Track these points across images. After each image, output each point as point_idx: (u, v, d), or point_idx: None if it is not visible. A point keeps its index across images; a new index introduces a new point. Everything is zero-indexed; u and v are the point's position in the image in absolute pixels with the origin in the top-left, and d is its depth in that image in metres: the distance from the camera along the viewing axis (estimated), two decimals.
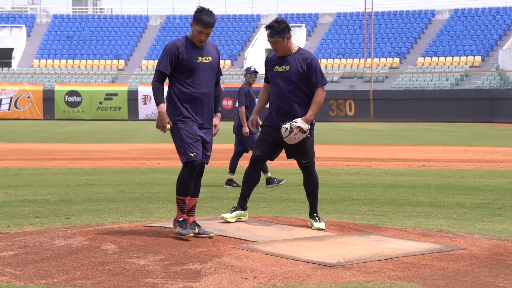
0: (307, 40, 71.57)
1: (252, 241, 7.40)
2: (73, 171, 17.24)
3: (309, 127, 8.06)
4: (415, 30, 70.05)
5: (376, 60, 66.74)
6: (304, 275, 6.41)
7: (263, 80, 8.49)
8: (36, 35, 74.15)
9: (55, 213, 10.63)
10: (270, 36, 8.07)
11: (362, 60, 67.26)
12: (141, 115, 59.95)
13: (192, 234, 7.44)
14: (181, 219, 7.50)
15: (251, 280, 6.28)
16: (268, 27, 8.11)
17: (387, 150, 25.62)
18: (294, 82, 8.04)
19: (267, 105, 8.41)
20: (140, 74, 67.89)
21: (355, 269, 6.59)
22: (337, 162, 20.11)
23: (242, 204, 8.26)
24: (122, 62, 70.98)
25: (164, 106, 7.52)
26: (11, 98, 61.68)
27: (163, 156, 21.81)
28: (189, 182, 7.51)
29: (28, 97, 61.50)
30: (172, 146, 28.77)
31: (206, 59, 7.59)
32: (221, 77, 7.86)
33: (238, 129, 14.39)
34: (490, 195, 12.99)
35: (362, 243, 7.59)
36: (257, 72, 14.45)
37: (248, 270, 6.50)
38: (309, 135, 8.12)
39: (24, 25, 73.70)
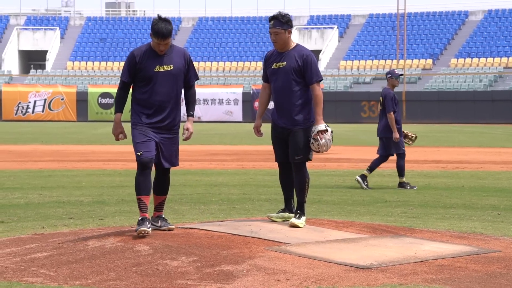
0: (339, 41, 71.40)
1: (284, 243, 7.39)
2: (106, 173, 17.35)
3: (325, 124, 8.07)
4: (448, 31, 69.59)
5: (408, 61, 66.40)
6: (337, 277, 6.39)
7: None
8: (69, 37, 74.76)
9: (89, 214, 10.70)
10: (272, 27, 8.03)
11: (395, 61, 66.95)
12: None
13: (145, 229, 7.45)
14: (140, 218, 7.59)
15: (284, 282, 6.27)
16: (272, 17, 8.06)
17: (420, 151, 25.46)
18: (291, 78, 8.01)
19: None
20: None
21: (388, 272, 6.56)
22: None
23: (288, 207, 8.32)
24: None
25: (119, 116, 7.70)
26: (45, 100, 62.27)
27: (195, 158, 21.87)
28: (140, 181, 7.59)
29: (62, 99, 62.03)
30: (205, 147, 28.90)
31: (166, 68, 7.59)
32: (197, 81, 7.91)
33: (382, 133, 14.45)
34: None
35: (395, 245, 7.55)
36: (402, 75, 14.50)
37: (281, 272, 6.49)
38: (332, 131, 8.16)
39: (58, 28, 74.33)
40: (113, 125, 7.72)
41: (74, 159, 20.75)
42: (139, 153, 7.58)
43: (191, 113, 7.84)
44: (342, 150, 26.24)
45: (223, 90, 61.84)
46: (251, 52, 70.53)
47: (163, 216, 7.91)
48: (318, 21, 73.77)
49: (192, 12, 78.88)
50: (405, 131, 14.89)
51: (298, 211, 8.15)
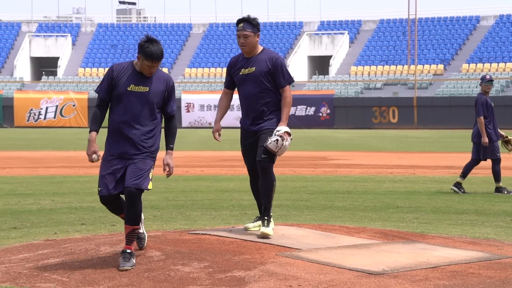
0: (349, 47, 71.37)
1: (296, 248, 7.39)
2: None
3: (287, 129, 7.80)
4: (460, 36, 69.45)
5: (420, 66, 66.30)
6: (349, 283, 6.38)
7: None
8: (81, 44, 75.01)
9: (101, 220, 10.73)
10: (242, 29, 7.80)
11: (406, 66, 66.85)
12: (185, 123, 60.29)
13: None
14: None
15: (296, 287, 6.26)
16: (241, 20, 7.85)
17: (432, 157, 25.40)
18: (261, 82, 7.82)
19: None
20: (183, 82, 68.27)
21: (401, 278, 6.54)
22: (381, 170, 19.99)
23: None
24: (165, 70, 71.27)
25: (94, 134, 7.12)
26: (57, 106, 62.47)
27: (207, 164, 21.89)
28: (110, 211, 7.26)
29: (73, 105, 62.22)
30: (216, 153, 28.80)
31: (142, 89, 7.08)
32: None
33: (476, 138, 14.49)
34: None
35: (407, 251, 7.53)
36: (493, 80, 14.56)
37: (293, 278, 6.49)
38: (292, 138, 7.91)
39: (69, 34, 74.60)
40: (88, 144, 7.15)
41: (86, 165, 20.78)
42: (99, 188, 7.16)
43: (171, 146, 7.30)
44: (353, 156, 26.21)
45: (233, 96, 61.89)
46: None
47: (128, 251, 6.91)
48: (329, 27, 73.75)
49: (203, 18, 78.96)
50: (507, 137, 14.95)
51: (266, 218, 7.79)
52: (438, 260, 7.17)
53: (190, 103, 60.22)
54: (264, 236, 7.66)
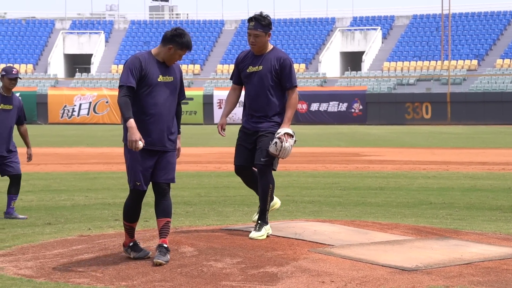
0: (382, 42, 71.03)
1: (328, 244, 7.38)
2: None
3: (292, 130, 7.65)
4: (494, 32, 68.81)
5: (453, 62, 65.81)
6: (382, 279, 6.36)
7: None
8: (114, 41, 75.46)
9: None
10: (253, 28, 7.64)
11: (439, 62, 66.39)
12: (216, 119, 60.42)
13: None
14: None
15: (328, 284, 6.26)
16: (252, 18, 7.69)
17: (465, 153, 25.21)
18: (267, 82, 7.68)
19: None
20: (216, 79, 68.42)
21: (434, 274, 6.51)
22: (414, 166, 19.88)
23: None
24: (197, 66, 71.66)
25: (133, 121, 6.89)
26: (90, 103, 62.92)
27: None
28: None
29: (107, 102, 62.63)
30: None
31: (169, 79, 7.12)
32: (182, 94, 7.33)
33: None
34: None
35: (441, 247, 7.49)
36: None
37: (325, 274, 6.48)
38: (296, 140, 7.74)
39: (102, 31, 75.08)
40: (131, 131, 6.86)
41: (119, 161, 20.91)
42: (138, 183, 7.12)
43: (179, 130, 7.30)
44: (386, 152, 26.09)
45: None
46: (294, 54, 70.47)
47: (164, 245, 7.01)
48: (361, 23, 73.44)
49: (235, 15, 79.03)
50: None
51: (259, 221, 7.60)
52: (472, 256, 7.12)
53: (222, 100, 60.28)
54: (251, 239, 7.45)
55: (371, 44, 69.79)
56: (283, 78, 7.70)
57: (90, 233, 8.91)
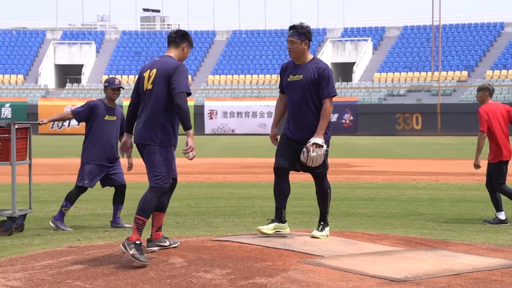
0: (373, 53, 71.22)
1: (318, 255, 7.38)
2: (140, 185, 17.43)
3: (323, 140, 7.87)
4: (484, 43, 69.10)
5: (443, 73, 66.02)
6: None
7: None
8: (105, 51, 75.43)
9: (124, 227, 10.77)
10: (290, 35, 8.04)
11: (430, 73, 66.60)
12: (207, 130, 60.42)
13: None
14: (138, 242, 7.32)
15: None
16: (291, 27, 8.09)
17: (455, 164, 25.27)
18: (307, 91, 7.93)
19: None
20: (207, 89, 68.43)
21: (423, 285, 6.52)
22: (404, 176, 19.91)
23: (279, 217, 8.10)
24: (189, 77, 71.65)
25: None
26: None
27: (229, 170, 21.91)
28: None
29: None
30: (238, 160, 28.62)
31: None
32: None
33: None
34: None
35: (430, 258, 7.50)
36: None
37: (315, 285, 6.48)
38: (327, 149, 7.96)
39: (93, 42, 75.04)
40: (192, 140, 7.43)
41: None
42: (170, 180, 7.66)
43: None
44: (376, 162, 26.13)
45: (256, 103, 61.94)
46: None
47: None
48: (352, 33, 73.65)
49: (226, 25, 79.08)
50: None
51: (322, 222, 8.17)
52: (461, 267, 7.13)
53: (213, 110, 60.33)
54: (315, 238, 8.02)
55: (362, 55, 69.97)
56: (320, 87, 7.95)
57: (79, 244, 8.89)
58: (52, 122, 9.87)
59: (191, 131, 7.37)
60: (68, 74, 73.58)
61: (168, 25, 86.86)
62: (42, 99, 65.47)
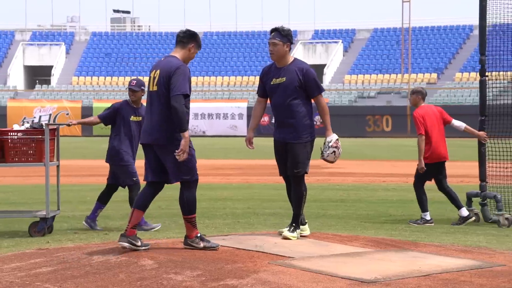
0: (343, 56, 71.49)
1: (289, 257, 7.40)
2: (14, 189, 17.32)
3: (336, 136, 8.26)
4: (453, 45, 69.66)
5: (413, 75, 66.46)
6: None
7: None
8: (75, 53, 74.98)
9: (94, 228, 10.72)
10: (272, 38, 8.10)
11: (399, 75, 66.99)
12: None
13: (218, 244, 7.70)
14: (199, 235, 7.73)
15: None
16: (273, 29, 8.15)
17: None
18: (291, 93, 8.04)
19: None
20: None
21: (393, 286, 6.56)
22: (374, 178, 20.01)
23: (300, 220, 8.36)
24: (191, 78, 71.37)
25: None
26: (50, 115, 62.41)
27: (200, 172, 21.80)
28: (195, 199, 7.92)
29: (67, 114, 62.15)
30: (209, 162, 28.71)
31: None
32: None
33: None
34: None
35: (400, 259, 7.54)
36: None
37: (285, 286, 6.49)
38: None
39: (63, 43, 74.57)
40: (186, 142, 7.43)
41: (79, 174, 20.77)
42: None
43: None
44: (347, 164, 26.23)
45: (227, 105, 61.93)
46: (256, 67, 70.66)
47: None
48: (323, 36, 73.88)
49: (197, 27, 78.92)
50: None
51: (293, 224, 8.19)
52: (430, 268, 7.18)
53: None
54: (286, 238, 8.05)
55: (333, 57, 70.23)
56: (308, 87, 8.07)
57: (48, 246, 8.83)
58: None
59: (186, 133, 7.39)
60: (38, 75, 73.05)
61: (139, 26, 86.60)
62: (11, 100, 64.92)
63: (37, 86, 70.66)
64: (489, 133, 12.34)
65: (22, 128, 10.23)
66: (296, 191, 8.19)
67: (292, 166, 8.10)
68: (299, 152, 8.09)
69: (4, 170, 21.68)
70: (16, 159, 9.98)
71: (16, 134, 9.96)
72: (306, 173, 8.20)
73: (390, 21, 74.58)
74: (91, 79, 71.81)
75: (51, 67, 72.17)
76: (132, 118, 10.65)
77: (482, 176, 11.99)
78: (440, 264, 7.38)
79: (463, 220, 11.45)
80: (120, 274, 6.85)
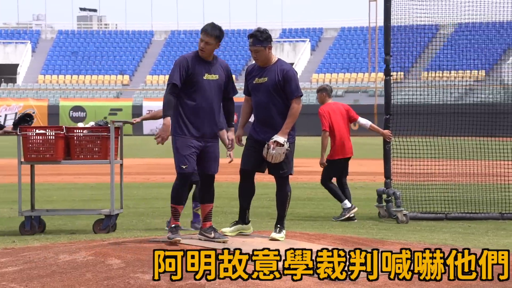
0: (311, 54, 71.70)
1: None
2: (77, 186, 17.27)
3: (285, 139, 8.02)
4: (419, 44, 70.13)
5: (380, 74, 66.86)
6: None
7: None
8: (41, 51, 74.41)
9: (60, 228, 10.65)
10: (252, 45, 8.11)
11: (367, 74, 67.35)
12: (146, 130, 60.05)
13: (179, 239, 7.81)
14: (173, 225, 7.90)
15: None
16: (250, 35, 8.16)
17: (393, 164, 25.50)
18: (272, 93, 8.07)
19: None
20: (145, 89, 68.05)
21: (360, 284, 6.59)
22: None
23: (243, 218, 8.28)
24: (126, 77, 71.16)
25: (169, 119, 7.78)
26: (16, 113, 61.87)
27: (168, 171, 21.80)
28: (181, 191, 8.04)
29: (33, 113, 61.58)
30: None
31: (213, 77, 7.88)
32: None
33: None
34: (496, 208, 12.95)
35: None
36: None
37: (253, 285, 6.50)
38: (288, 148, 8.07)
39: (29, 41, 73.97)
40: (164, 128, 7.75)
41: (45, 173, 20.61)
42: (184, 166, 7.84)
43: (232, 123, 8.10)
44: (314, 163, 26.26)
45: None
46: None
47: (213, 226, 8.00)
48: (290, 34, 74.05)
49: (165, 26, 78.71)
50: None
51: (279, 226, 8.19)
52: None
53: (152, 110, 59.93)
54: (274, 239, 8.04)
55: (300, 56, 70.41)
56: (286, 89, 8.05)
57: (14, 245, 8.75)
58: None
59: (166, 120, 7.76)
60: (3, 73, 72.37)
61: (106, 24, 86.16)
62: None
63: (3, 85, 70.01)
64: (394, 131, 12.72)
65: (88, 126, 10.24)
66: (281, 192, 8.22)
67: (277, 167, 8.09)
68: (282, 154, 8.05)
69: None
70: (82, 156, 10.07)
71: (82, 131, 10.04)
72: (291, 174, 8.22)
73: (357, 20, 74.88)
74: (58, 77, 71.31)
75: (17, 65, 71.55)
76: None
77: (387, 173, 12.26)
78: None
79: (347, 211, 11.55)
80: (87, 274, 6.81)
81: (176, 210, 8.00)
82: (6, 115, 62.08)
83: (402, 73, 12.77)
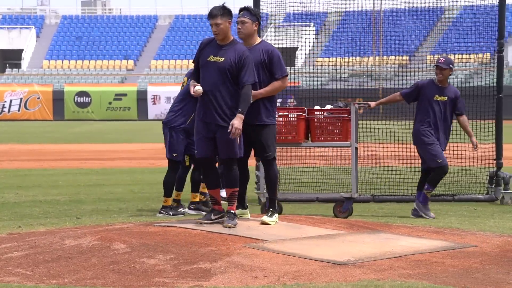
0: (315, 38, 71.58)
1: (262, 240, 7.40)
2: (83, 171, 17.28)
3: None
4: (424, 28, 69.96)
5: (384, 57, 66.75)
6: (314, 273, 6.41)
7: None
8: (45, 36, 74.31)
9: (65, 213, 10.66)
10: (241, 16, 8.08)
11: (371, 58, 67.25)
12: (151, 115, 60.00)
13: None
14: (232, 211, 7.95)
15: (261, 279, 6.28)
16: (242, 8, 8.16)
17: (396, 147, 25.47)
18: (260, 71, 8.03)
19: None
20: (149, 74, 67.97)
21: (365, 267, 6.59)
22: (342, 161, 20.04)
23: (241, 203, 8.26)
24: (131, 62, 71.07)
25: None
26: (21, 99, 61.89)
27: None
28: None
29: (38, 98, 61.68)
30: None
31: (218, 59, 7.77)
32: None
33: None
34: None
35: (372, 241, 7.58)
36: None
37: (258, 269, 6.50)
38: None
39: (33, 26, 73.86)
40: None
41: (50, 158, 20.64)
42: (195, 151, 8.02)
43: (240, 110, 7.69)
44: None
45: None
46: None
47: (232, 212, 7.88)
48: (295, 19, 73.86)
49: (169, 10, 78.80)
50: None
51: (271, 209, 8.13)
52: (402, 249, 7.22)
53: (156, 95, 59.90)
54: (265, 223, 7.97)
55: (305, 40, 70.23)
56: (271, 69, 8.05)
57: (20, 231, 8.76)
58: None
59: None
60: (8, 59, 72.32)
61: (110, 9, 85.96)
62: None
63: (8, 70, 69.99)
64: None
65: (329, 108, 10.26)
66: (268, 174, 8.15)
67: (261, 149, 8.04)
68: (267, 136, 8.02)
69: None
70: (322, 138, 10.13)
71: (322, 113, 10.11)
72: (274, 157, 8.12)
73: (361, 3, 74.75)
74: (62, 62, 71.25)
75: (21, 50, 71.48)
76: (436, 97, 10.49)
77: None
78: (413, 245, 7.42)
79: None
80: (92, 258, 6.82)
81: (212, 196, 8.01)
82: (11, 101, 62.08)
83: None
